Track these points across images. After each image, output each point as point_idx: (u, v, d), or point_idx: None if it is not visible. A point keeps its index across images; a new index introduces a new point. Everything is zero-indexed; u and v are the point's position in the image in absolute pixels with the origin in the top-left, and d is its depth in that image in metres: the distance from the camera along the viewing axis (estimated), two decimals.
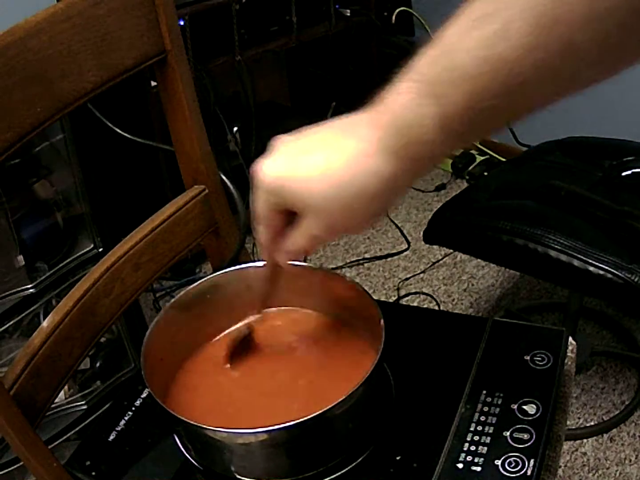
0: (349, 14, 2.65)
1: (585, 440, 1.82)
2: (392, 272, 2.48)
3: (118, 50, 0.94)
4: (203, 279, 0.96)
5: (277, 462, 0.80)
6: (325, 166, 0.65)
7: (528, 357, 0.91)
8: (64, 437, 1.72)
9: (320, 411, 0.74)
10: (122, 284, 0.99)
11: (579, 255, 1.49)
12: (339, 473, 0.81)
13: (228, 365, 0.91)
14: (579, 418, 1.88)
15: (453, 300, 2.33)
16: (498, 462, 0.78)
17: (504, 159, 2.80)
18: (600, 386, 1.96)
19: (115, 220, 1.71)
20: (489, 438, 0.81)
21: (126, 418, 0.94)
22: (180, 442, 0.87)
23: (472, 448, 0.80)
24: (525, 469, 0.77)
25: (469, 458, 0.79)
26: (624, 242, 1.51)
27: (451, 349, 0.96)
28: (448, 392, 0.88)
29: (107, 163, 1.93)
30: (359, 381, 0.76)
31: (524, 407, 0.84)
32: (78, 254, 1.67)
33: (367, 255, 2.55)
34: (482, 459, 0.78)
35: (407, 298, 2.36)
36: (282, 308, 0.98)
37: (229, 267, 0.97)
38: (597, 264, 1.47)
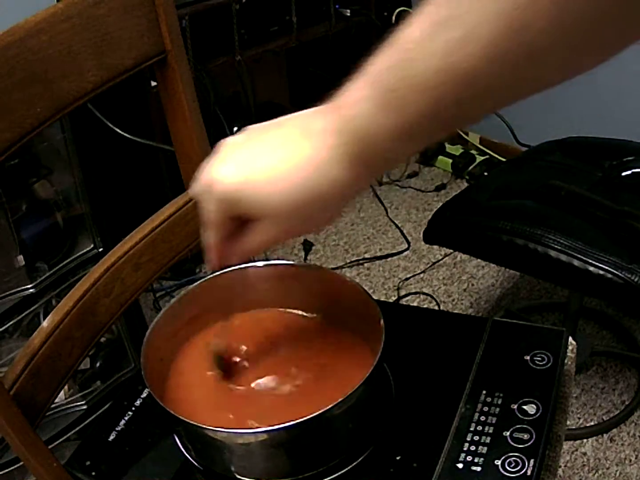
0: (349, 14, 2.65)
1: (585, 440, 1.82)
2: (392, 272, 2.48)
3: (118, 50, 0.94)
4: (203, 279, 0.96)
5: (277, 462, 0.80)
6: (278, 169, 0.62)
7: (528, 357, 0.91)
8: (64, 437, 1.72)
9: (320, 411, 0.74)
10: (122, 284, 0.99)
11: (579, 255, 1.49)
12: (339, 473, 0.81)
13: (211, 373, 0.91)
14: (579, 418, 1.88)
15: (453, 300, 2.33)
16: (498, 462, 0.78)
17: (504, 159, 2.80)
18: (600, 386, 1.96)
19: (115, 220, 1.71)
20: (489, 438, 0.81)
21: (126, 418, 0.94)
22: (180, 442, 0.87)
23: (472, 448, 0.80)
24: (525, 469, 0.76)
25: (469, 458, 0.79)
26: (624, 242, 1.51)
27: (451, 349, 0.96)
28: (448, 392, 0.88)
29: (107, 163, 1.93)
30: (359, 381, 0.76)
31: (524, 407, 0.84)
32: (78, 254, 1.67)
33: (367, 255, 2.55)
34: (482, 459, 0.78)
35: (407, 298, 2.36)
36: (282, 309, 0.98)
37: (229, 267, 0.97)
38: (597, 264, 1.47)
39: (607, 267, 1.46)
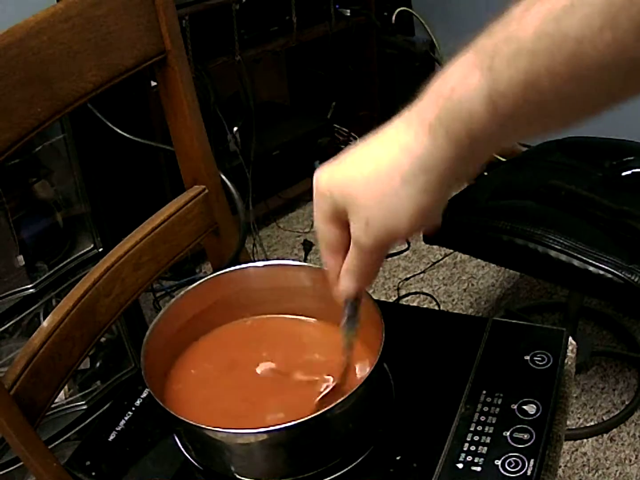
0: (349, 14, 2.65)
1: (585, 440, 1.82)
2: (392, 272, 2.48)
3: (118, 50, 0.94)
4: (203, 279, 0.96)
5: (277, 462, 0.80)
6: (366, 158, 0.63)
7: (528, 357, 0.90)
8: (64, 437, 1.72)
9: (320, 411, 0.74)
10: (122, 284, 0.99)
11: (579, 255, 1.49)
12: (339, 473, 0.81)
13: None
14: (579, 418, 1.88)
15: (453, 300, 2.33)
16: (498, 462, 0.78)
17: (504, 159, 2.79)
18: (600, 386, 1.96)
19: (115, 220, 1.71)
20: (489, 438, 0.80)
21: (126, 418, 0.94)
22: (180, 442, 0.87)
23: (472, 448, 0.79)
24: (525, 469, 0.76)
25: (469, 458, 0.78)
26: (624, 242, 1.50)
27: (451, 349, 0.95)
28: (448, 392, 0.88)
29: (107, 163, 1.93)
30: (359, 382, 0.76)
31: (524, 407, 0.84)
32: (78, 254, 1.67)
33: None
34: (482, 459, 0.78)
35: (407, 298, 2.36)
36: (283, 309, 0.98)
37: (229, 267, 0.97)
38: (597, 264, 1.47)
39: (607, 267, 1.46)
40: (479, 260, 2.40)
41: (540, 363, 0.90)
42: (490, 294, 2.35)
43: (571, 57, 0.48)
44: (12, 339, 1.67)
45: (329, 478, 0.81)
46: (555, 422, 0.89)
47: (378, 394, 0.88)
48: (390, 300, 2.31)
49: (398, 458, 0.81)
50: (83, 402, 1.77)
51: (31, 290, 1.59)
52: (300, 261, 0.93)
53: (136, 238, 1.01)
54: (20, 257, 1.57)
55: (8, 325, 1.58)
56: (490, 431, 0.81)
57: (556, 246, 1.52)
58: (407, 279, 2.44)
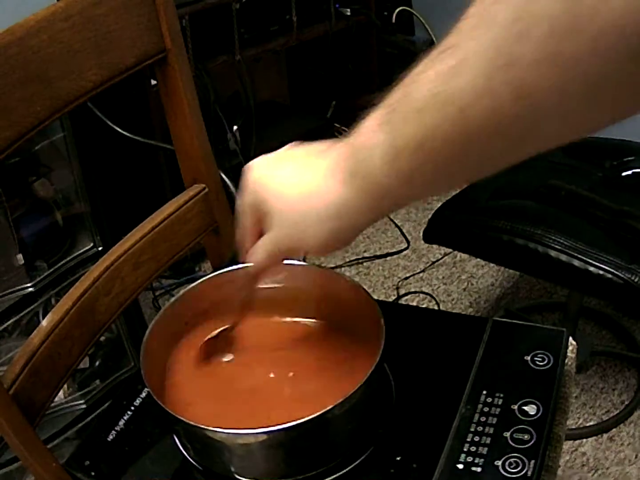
0: (349, 14, 2.66)
1: (584, 440, 1.82)
2: (391, 272, 2.48)
3: (118, 49, 0.94)
4: (203, 278, 0.96)
5: (277, 462, 0.80)
6: (291, 177, 0.67)
7: (528, 358, 0.90)
8: (63, 437, 1.71)
9: (320, 412, 0.74)
10: (121, 283, 0.99)
11: (579, 255, 1.49)
12: (339, 473, 0.81)
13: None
14: (579, 418, 1.87)
15: (453, 299, 2.33)
16: (498, 463, 0.77)
17: None
18: (600, 386, 1.96)
19: (115, 219, 1.71)
20: (489, 438, 0.80)
21: (125, 418, 0.94)
22: (180, 442, 0.87)
23: (472, 449, 0.79)
24: (525, 470, 0.76)
25: (469, 459, 0.78)
26: (624, 242, 1.51)
27: (451, 349, 0.95)
28: (448, 392, 0.87)
29: (107, 162, 1.93)
30: (359, 382, 0.76)
31: (524, 407, 0.84)
32: (77, 253, 1.67)
33: (366, 254, 2.55)
34: (482, 460, 0.78)
35: (406, 297, 2.36)
36: (281, 308, 0.97)
37: (229, 266, 0.97)
38: (597, 264, 1.47)
39: (607, 267, 1.46)
40: (478, 259, 2.40)
41: (541, 363, 0.89)
42: (490, 294, 2.35)
43: (457, 119, 0.49)
44: (11, 338, 1.67)
45: (329, 478, 0.80)
46: (556, 423, 0.89)
47: (378, 394, 0.88)
48: (390, 300, 2.31)
49: (398, 458, 0.81)
50: (82, 401, 1.77)
51: (30, 289, 1.59)
52: (300, 261, 0.92)
53: (136, 237, 1.01)
54: (20, 256, 1.56)
55: (7, 324, 1.58)
56: (491, 432, 0.81)
57: (556, 246, 1.52)
58: (406, 278, 2.44)
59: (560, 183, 1.66)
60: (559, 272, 1.54)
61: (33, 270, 1.61)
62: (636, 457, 1.75)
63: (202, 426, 0.76)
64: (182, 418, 0.77)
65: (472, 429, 0.82)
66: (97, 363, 1.81)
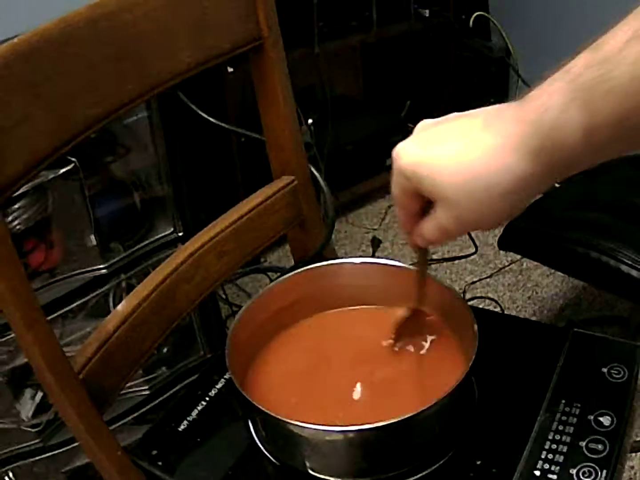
0: (427, 15, 2.65)
1: (633, 455, 1.80)
2: (458, 275, 2.47)
3: (214, 32, 0.92)
4: (295, 271, 0.96)
5: (358, 461, 0.79)
6: (458, 157, 0.64)
7: (605, 370, 0.89)
8: (121, 422, 1.69)
9: (411, 413, 0.73)
10: (204, 271, 0.97)
11: None
12: (420, 475, 0.80)
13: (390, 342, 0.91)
14: None
15: (517, 307, 2.32)
16: (573, 472, 0.77)
17: None
18: None
19: (195, 205, 1.67)
20: (566, 447, 0.80)
21: (199, 408, 0.93)
22: (257, 434, 0.86)
23: (550, 456, 0.79)
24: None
25: (546, 466, 0.78)
26: None
27: (533, 357, 0.95)
28: (528, 399, 0.87)
29: (190, 146, 1.92)
30: (449, 385, 0.76)
31: (600, 418, 0.83)
32: (156, 237, 1.63)
33: (434, 257, 2.53)
34: (558, 467, 0.77)
35: (472, 302, 2.34)
36: (374, 306, 0.98)
37: (313, 261, 0.97)
38: None
39: None
40: (544, 268, 2.40)
41: (617, 376, 0.89)
42: (554, 303, 2.33)
43: None
44: (76, 319, 1.64)
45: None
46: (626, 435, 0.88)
47: (462, 399, 0.88)
48: None
49: (478, 463, 0.81)
50: (146, 387, 1.74)
51: (103, 270, 1.55)
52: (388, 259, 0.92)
53: (221, 225, 1.00)
54: (93, 236, 1.54)
55: (74, 304, 1.54)
56: (568, 440, 0.80)
57: (627, 261, 1.54)
58: (473, 282, 2.44)
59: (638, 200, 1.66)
60: (628, 287, 1.56)
61: (107, 252, 1.57)
62: None
63: (289, 421, 0.75)
64: (267, 411, 0.76)
65: (550, 437, 0.81)
66: (164, 349, 1.79)
